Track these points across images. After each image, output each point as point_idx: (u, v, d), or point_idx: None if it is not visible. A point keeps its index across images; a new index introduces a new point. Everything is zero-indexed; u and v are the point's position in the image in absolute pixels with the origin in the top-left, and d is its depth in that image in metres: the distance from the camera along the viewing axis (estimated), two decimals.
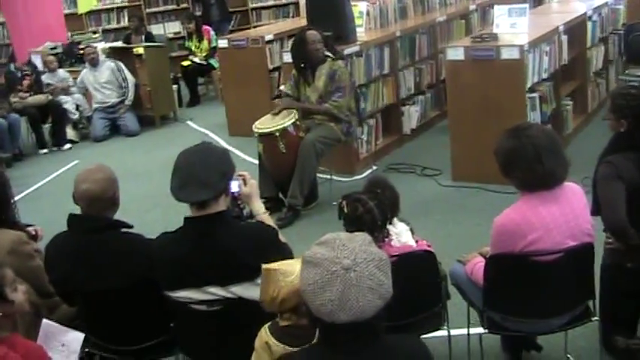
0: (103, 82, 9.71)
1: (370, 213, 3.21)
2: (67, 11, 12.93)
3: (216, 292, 2.98)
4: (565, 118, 7.28)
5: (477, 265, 3.44)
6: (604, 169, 3.57)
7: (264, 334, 2.62)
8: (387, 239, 3.34)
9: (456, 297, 3.71)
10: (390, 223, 3.41)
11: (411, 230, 3.60)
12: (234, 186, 3.25)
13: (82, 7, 11.84)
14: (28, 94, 9.28)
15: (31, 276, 3.41)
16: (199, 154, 3.03)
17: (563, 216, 3.17)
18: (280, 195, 6.31)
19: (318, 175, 6.45)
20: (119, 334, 3.37)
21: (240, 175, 3.33)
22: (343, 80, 6.18)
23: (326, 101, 6.19)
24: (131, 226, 3.37)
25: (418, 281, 3.30)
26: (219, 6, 13.06)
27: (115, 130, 9.85)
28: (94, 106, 9.83)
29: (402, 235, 3.49)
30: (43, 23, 10.69)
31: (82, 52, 10.43)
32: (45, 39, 10.77)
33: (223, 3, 13.19)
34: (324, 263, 1.98)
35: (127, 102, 9.78)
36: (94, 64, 9.73)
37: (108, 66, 9.76)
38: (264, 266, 2.60)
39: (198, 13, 13.04)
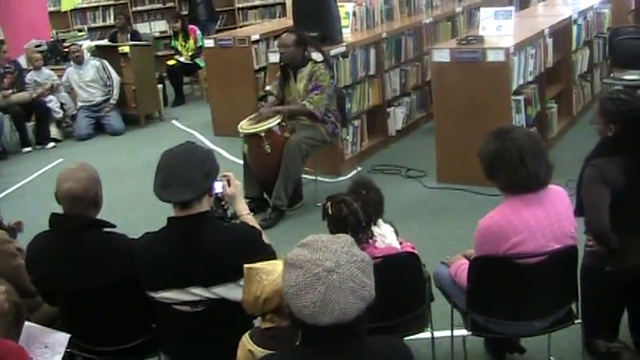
0: (87, 80, 9.66)
1: (354, 214, 3.21)
2: (51, 9, 12.87)
3: (199, 292, 2.97)
4: (550, 121, 7.30)
5: (460, 267, 3.44)
6: (589, 173, 3.59)
7: (246, 342, 2.60)
8: (371, 240, 3.34)
9: (439, 299, 3.72)
10: (375, 225, 3.41)
11: (396, 232, 3.61)
12: (218, 186, 3.24)
13: (65, 5, 11.73)
14: (10, 92, 9.22)
15: (12, 275, 3.39)
16: (183, 154, 3.01)
17: (547, 219, 3.18)
18: (265, 195, 6.30)
19: (303, 175, 6.43)
20: (101, 335, 3.34)
21: (224, 176, 3.32)
22: (321, 80, 6.16)
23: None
24: (114, 226, 3.35)
25: (402, 283, 3.30)
26: (205, 5, 13.03)
27: (99, 128, 9.78)
28: (79, 104, 9.77)
29: (386, 236, 3.50)
30: (28, 20, 10.58)
31: (67, 50, 10.38)
32: (30, 36, 10.69)
33: (210, 2, 13.16)
34: (307, 265, 1.97)
35: (112, 101, 9.74)
36: (79, 62, 9.68)
37: (93, 64, 9.71)
38: (246, 266, 2.59)
39: (185, 12, 13.02)
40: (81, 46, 10.04)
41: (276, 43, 7.81)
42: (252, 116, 6.17)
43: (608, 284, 3.57)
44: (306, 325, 1.98)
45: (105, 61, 9.78)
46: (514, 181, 3.20)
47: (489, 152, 3.25)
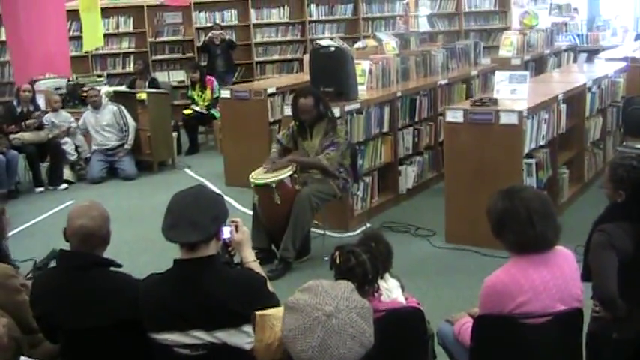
0: (104, 124, 9.77)
1: (362, 266, 3.20)
2: (73, 54, 13.08)
3: (200, 336, 2.95)
4: (561, 187, 7.30)
5: (464, 325, 3.42)
6: (597, 238, 3.57)
7: None
8: (376, 294, 3.33)
9: (442, 357, 3.68)
10: (382, 278, 3.40)
11: (402, 287, 3.59)
12: (226, 232, 3.24)
13: (87, 45, 11.81)
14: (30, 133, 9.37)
15: (15, 310, 3.38)
16: (193, 196, 3.04)
17: (554, 280, 3.17)
18: (273, 247, 6.29)
19: (312, 229, 6.43)
20: None
21: (232, 222, 3.32)
22: (338, 136, 6.24)
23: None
24: (120, 265, 3.36)
25: (405, 338, 3.28)
26: (224, 57, 13.22)
27: (112, 173, 9.85)
28: (93, 148, 9.86)
29: (392, 290, 3.49)
30: (45, 51, 10.54)
31: (85, 94, 10.52)
32: (45, 68, 10.75)
33: (228, 54, 13.36)
34: (306, 309, 1.97)
35: (126, 146, 9.82)
36: (96, 106, 9.80)
37: (110, 109, 9.83)
38: (257, 313, 2.58)
39: (204, 63, 13.19)
40: (99, 90, 10.16)
41: (291, 97, 7.92)
42: (265, 164, 6.22)
43: (614, 352, 3.53)
44: None
45: (122, 107, 9.88)
46: (522, 241, 3.19)
47: (498, 210, 3.25)
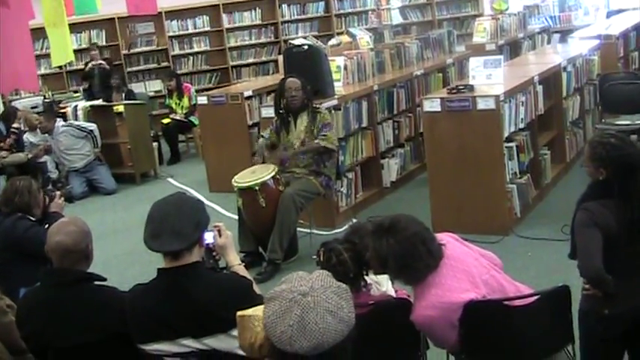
0: (62, 149, 9.58)
1: (343, 265, 3.21)
2: (48, 71, 13.00)
3: (189, 344, 2.94)
4: (543, 168, 7.32)
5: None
6: (581, 216, 3.56)
7: None
8: (364, 289, 3.32)
9: (435, 348, 3.67)
10: (367, 274, 3.38)
11: (392, 279, 3.58)
12: (209, 237, 3.23)
13: (56, 61, 11.73)
14: (7, 153, 9.27)
15: (2, 332, 3.35)
16: (173, 204, 3.03)
17: (463, 270, 3.17)
18: (260, 249, 6.28)
19: (298, 228, 6.42)
20: None
21: (215, 226, 3.30)
22: (326, 119, 6.30)
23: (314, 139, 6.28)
24: (104, 279, 3.33)
25: (396, 330, 3.27)
26: (100, 81, 12.26)
27: (92, 188, 9.77)
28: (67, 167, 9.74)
29: (381, 284, 3.48)
30: (11, 69, 10.45)
31: (63, 111, 10.44)
32: (13, 85, 10.68)
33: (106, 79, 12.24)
34: (283, 294, 1.99)
35: (96, 149, 9.66)
36: (47, 132, 9.54)
37: (64, 131, 9.55)
38: (238, 313, 2.56)
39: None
40: (37, 116, 9.83)
41: (268, 99, 7.91)
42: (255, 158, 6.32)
43: (607, 328, 3.53)
44: (288, 355, 1.95)
45: (72, 121, 9.75)
46: (427, 269, 3.15)
47: (395, 255, 3.12)
